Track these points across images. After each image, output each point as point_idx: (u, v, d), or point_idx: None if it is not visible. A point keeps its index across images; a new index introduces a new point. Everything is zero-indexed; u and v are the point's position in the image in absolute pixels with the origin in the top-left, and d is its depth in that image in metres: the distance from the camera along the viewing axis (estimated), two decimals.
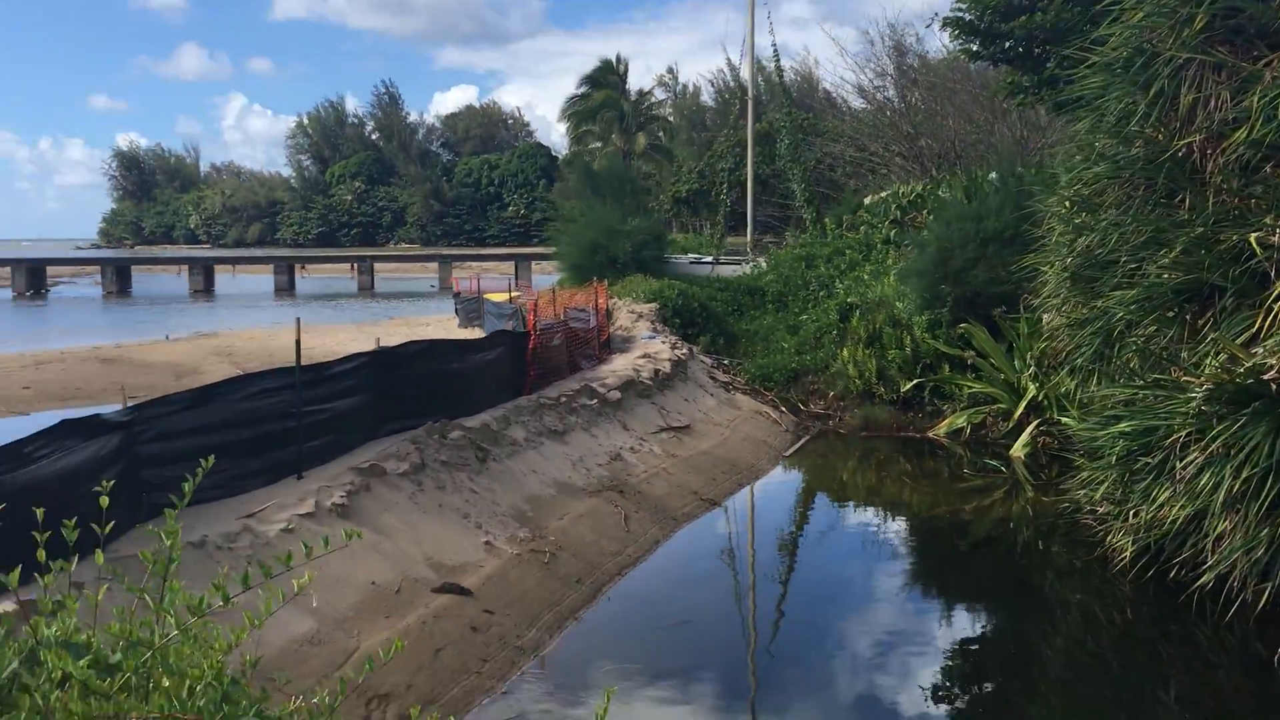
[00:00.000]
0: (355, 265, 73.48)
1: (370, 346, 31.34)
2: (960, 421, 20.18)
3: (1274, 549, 10.14)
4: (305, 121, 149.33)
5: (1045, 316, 16.40)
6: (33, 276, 66.30)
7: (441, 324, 36.95)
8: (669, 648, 10.74)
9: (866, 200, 35.34)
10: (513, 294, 33.51)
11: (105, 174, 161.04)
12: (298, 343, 11.91)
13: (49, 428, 9.22)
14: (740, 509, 15.99)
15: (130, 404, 10.53)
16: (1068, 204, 14.85)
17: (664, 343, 22.56)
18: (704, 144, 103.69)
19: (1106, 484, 12.85)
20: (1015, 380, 19.81)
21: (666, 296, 26.16)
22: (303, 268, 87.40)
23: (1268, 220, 11.18)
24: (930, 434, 20.47)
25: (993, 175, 27.03)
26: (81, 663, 2.82)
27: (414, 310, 50.75)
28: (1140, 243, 12.79)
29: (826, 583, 12.92)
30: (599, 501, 14.04)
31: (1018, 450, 18.59)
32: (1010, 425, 19.57)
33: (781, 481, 17.82)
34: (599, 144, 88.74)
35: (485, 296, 32.80)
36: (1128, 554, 12.12)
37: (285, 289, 70.16)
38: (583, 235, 29.98)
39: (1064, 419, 18.37)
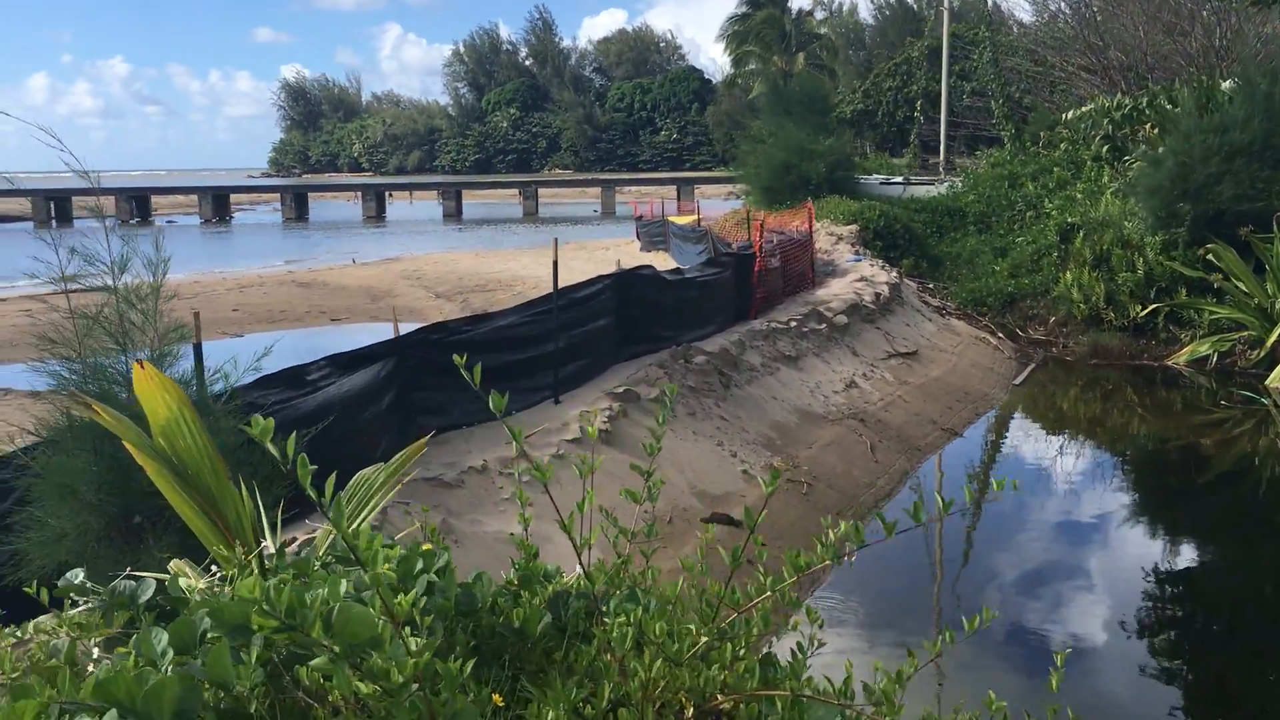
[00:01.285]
0: (520, 190, 73.95)
1: (561, 271, 31.49)
2: (1204, 349, 18.75)
3: None
4: (461, 49, 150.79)
5: None
6: (218, 203, 69.05)
7: (620, 248, 36.69)
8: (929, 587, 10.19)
9: (1066, 116, 33.29)
10: (698, 217, 32.86)
11: (274, 104, 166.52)
12: (555, 265, 11.59)
13: (352, 351, 9.31)
14: (980, 439, 15.19)
15: (401, 329, 10.41)
16: None
17: (872, 265, 21.66)
18: (863, 63, 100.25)
19: None
20: (1269, 305, 18.26)
21: (868, 218, 25.14)
22: (409, 194, 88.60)
23: None
24: (1169, 362, 19.11)
25: (1227, 84, 24.95)
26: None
27: (585, 234, 50.61)
28: None
29: (1080, 524, 12.10)
30: (842, 430, 13.48)
31: (1276, 380, 17.15)
32: (1262, 354, 18.09)
33: (1016, 411, 16.90)
34: (758, 65, 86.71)
35: (669, 220, 32.27)
36: None
37: (453, 214, 71.28)
38: (773, 156, 29.04)
39: None
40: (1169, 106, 26.03)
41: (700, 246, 27.70)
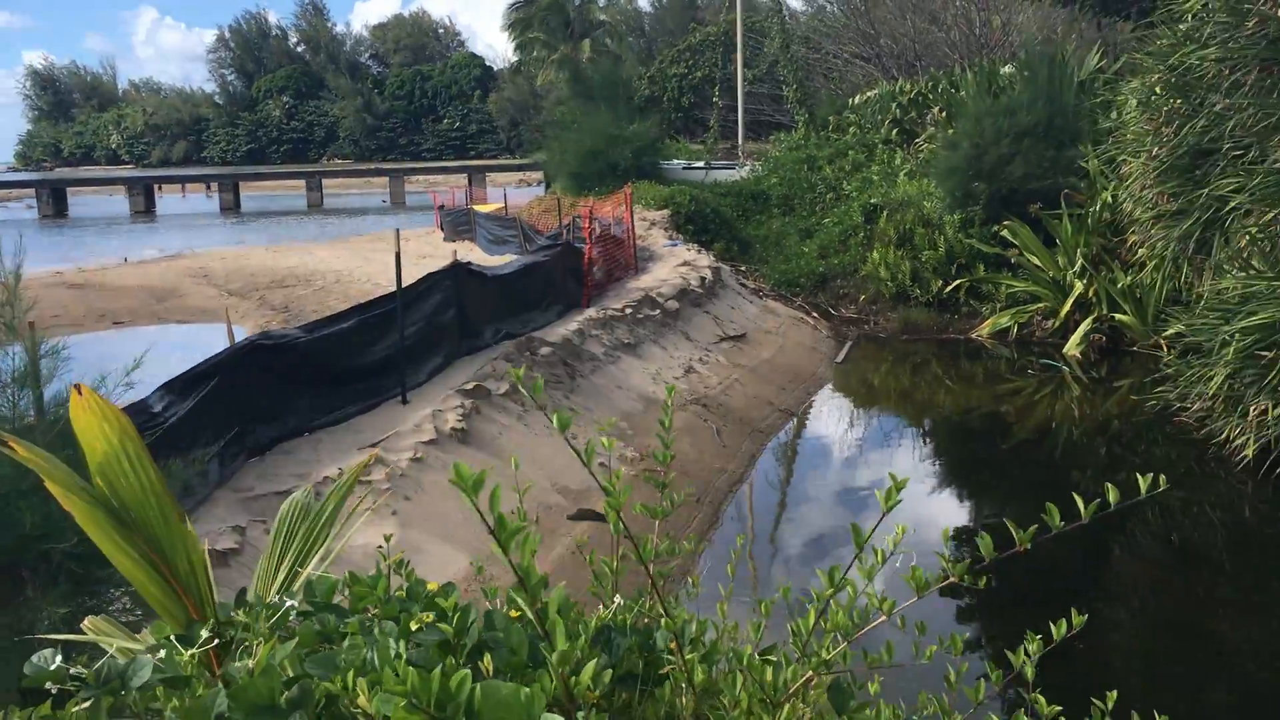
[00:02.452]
0: (306, 181, 70.93)
1: (361, 264, 30.24)
2: (1005, 321, 19.78)
3: None
4: (227, 34, 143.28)
5: (1127, 207, 15.88)
6: None
7: (422, 238, 35.60)
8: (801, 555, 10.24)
9: (853, 101, 34.56)
10: (504, 205, 32.28)
11: (19, 93, 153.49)
12: (398, 258, 10.93)
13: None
14: (815, 417, 15.47)
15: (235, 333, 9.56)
16: (1158, 90, 14.27)
17: (689, 250, 21.77)
18: (643, 50, 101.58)
19: (1217, 380, 12.48)
20: (1060, 277, 19.41)
21: (679, 203, 25.27)
22: (182, 188, 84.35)
23: None
24: (973, 335, 20.06)
25: (1006, 69, 26.42)
26: None
27: (377, 225, 48.95)
28: (1259, 129, 12.25)
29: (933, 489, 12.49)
30: (688, 416, 13.39)
31: (1071, 348, 18.25)
32: (1057, 324, 19.22)
33: (844, 387, 17.31)
34: (543, 51, 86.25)
35: (474, 208, 31.55)
36: (1250, 452, 11.82)
37: (231, 207, 67.61)
38: (580, 142, 28.80)
39: (1118, 316, 18.13)
40: (954, 91, 27.32)
41: (510, 234, 27.23)
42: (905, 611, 2.16)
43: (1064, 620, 2.20)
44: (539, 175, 70.98)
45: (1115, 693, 2.12)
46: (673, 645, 2.43)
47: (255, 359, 9.28)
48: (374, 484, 8.76)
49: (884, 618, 2.17)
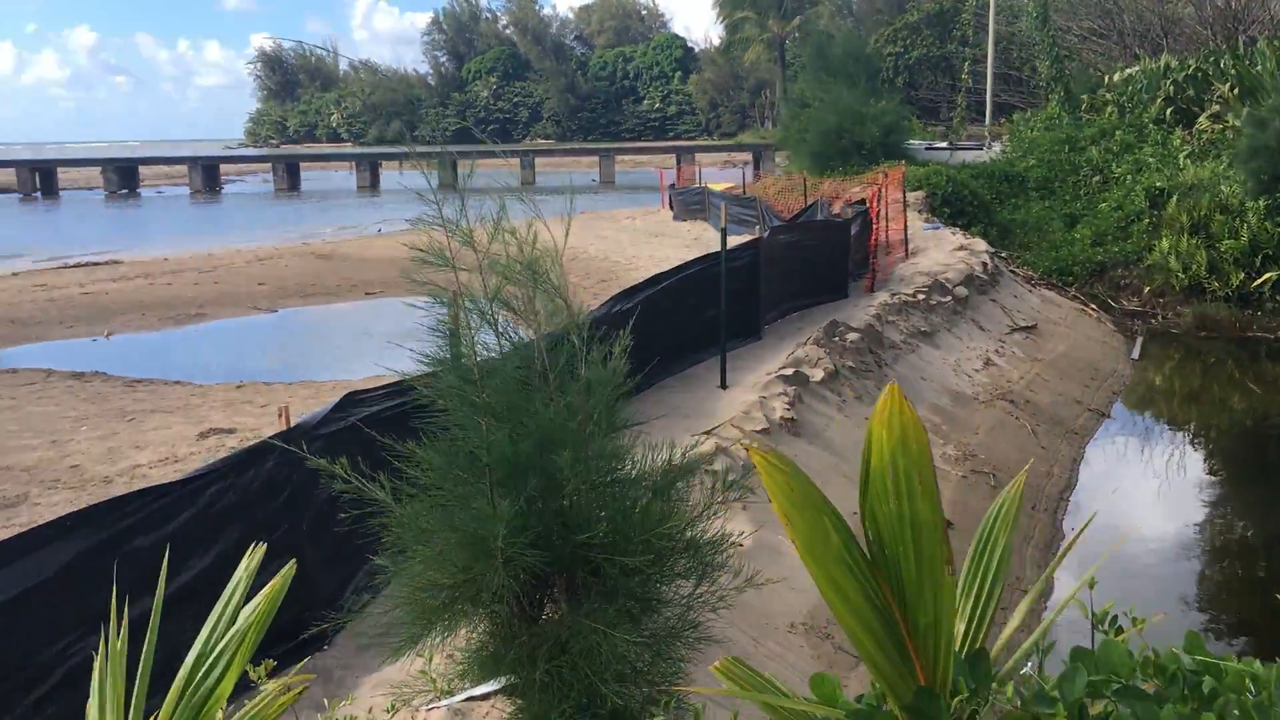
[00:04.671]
0: (520, 159, 72.24)
1: (595, 241, 30.13)
2: None
3: None
4: (440, 18, 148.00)
5: None
6: (208, 174, 66.95)
7: (647, 216, 35.35)
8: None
9: (1110, 78, 32.21)
10: (743, 185, 31.61)
11: (250, 74, 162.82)
12: (724, 233, 10.29)
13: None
14: (1130, 421, 14.12)
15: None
16: None
17: (954, 234, 20.52)
18: (852, 30, 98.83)
19: None
20: None
21: (935, 184, 23.97)
22: (399, 164, 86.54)
23: None
24: None
25: None
26: None
27: (593, 204, 49.03)
28: None
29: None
30: (996, 412, 12.35)
31: None
32: None
33: (1148, 387, 15.85)
34: (756, 30, 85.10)
35: (709, 187, 30.97)
36: None
37: (449, 184, 69.45)
38: (822, 119, 27.77)
39: None
40: (1249, 66, 24.96)
41: (749, 214, 26.50)
42: None
43: None
44: (745, 157, 70.35)
45: None
46: None
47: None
48: (717, 473, 8.15)
49: None
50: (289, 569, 2.54)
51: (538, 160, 75.49)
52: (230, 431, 11.77)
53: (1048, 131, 28.78)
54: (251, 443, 10.89)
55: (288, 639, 5.40)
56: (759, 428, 9.07)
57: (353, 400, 6.19)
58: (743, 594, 3.66)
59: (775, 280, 12.53)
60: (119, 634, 2.24)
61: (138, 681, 2.26)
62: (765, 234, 12.72)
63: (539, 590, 3.29)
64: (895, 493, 2.14)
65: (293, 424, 5.57)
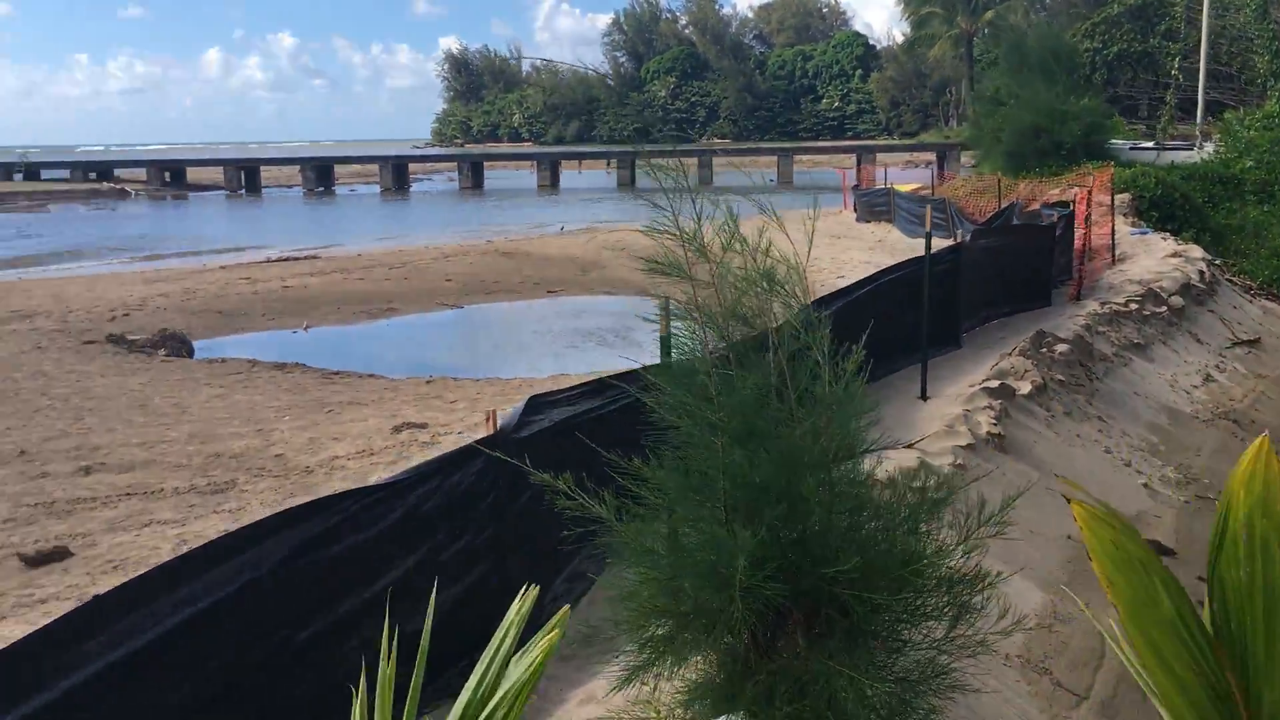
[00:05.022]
0: (698, 159, 72.46)
1: (781, 242, 29.77)
2: None
3: None
4: (621, 19, 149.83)
5: None
6: (398, 173, 69.61)
7: (830, 218, 34.69)
8: None
9: None
10: (932, 185, 30.68)
11: (437, 76, 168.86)
12: (928, 238, 9.85)
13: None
14: None
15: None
16: None
17: (1164, 240, 19.27)
18: (1040, 25, 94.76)
19: None
20: None
21: (1142, 186, 22.60)
22: (578, 164, 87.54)
23: None
24: None
25: None
26: None
27: (777, 204, 48.41)
28: None
29: None
30: (1219, 433, 11.44)
31: None
32: None
33: None
34: (944, 27, 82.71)
35: (895, 188, 30.14)
36: None
37: (626, 183, 70.32)
38: (1018, 118, 26.60)
39: None
40: None
41: (937, 216, 25.63)
42: None
43: None
44: (928, 156, 68.36)
45: None
46: None
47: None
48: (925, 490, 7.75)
49: None
50: (531, 593, 2.40)
51: (715, 160, 75.41)
52: (422, 426, 11.98)
53: (1266, 131, 26.76)
54: (444, 440, 11.07)
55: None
56: (964, 443, 8.60)
57: (542, 402, 6.10)
58: (1009, 637, 3.34)
59: (975, 286, 11.95)
60: (388, 659, 2.14)
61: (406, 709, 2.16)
62: (965, 237, 12.12)
63: (775, 623, 3.06)
64: (1249, 557, 1.84)
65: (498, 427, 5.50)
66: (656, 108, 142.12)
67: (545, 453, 5.80)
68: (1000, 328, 12.55)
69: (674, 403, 3.17)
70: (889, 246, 25.86)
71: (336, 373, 16.28)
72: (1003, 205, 21.65)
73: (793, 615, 3.06)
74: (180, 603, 3.75)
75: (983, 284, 12.16)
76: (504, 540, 5.45)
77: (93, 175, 73.33)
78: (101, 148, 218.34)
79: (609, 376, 7.48)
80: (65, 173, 75.00)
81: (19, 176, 72.02)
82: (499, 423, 5.44)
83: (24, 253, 37.26)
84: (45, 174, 74.42)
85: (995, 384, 9.76)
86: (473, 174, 69.64)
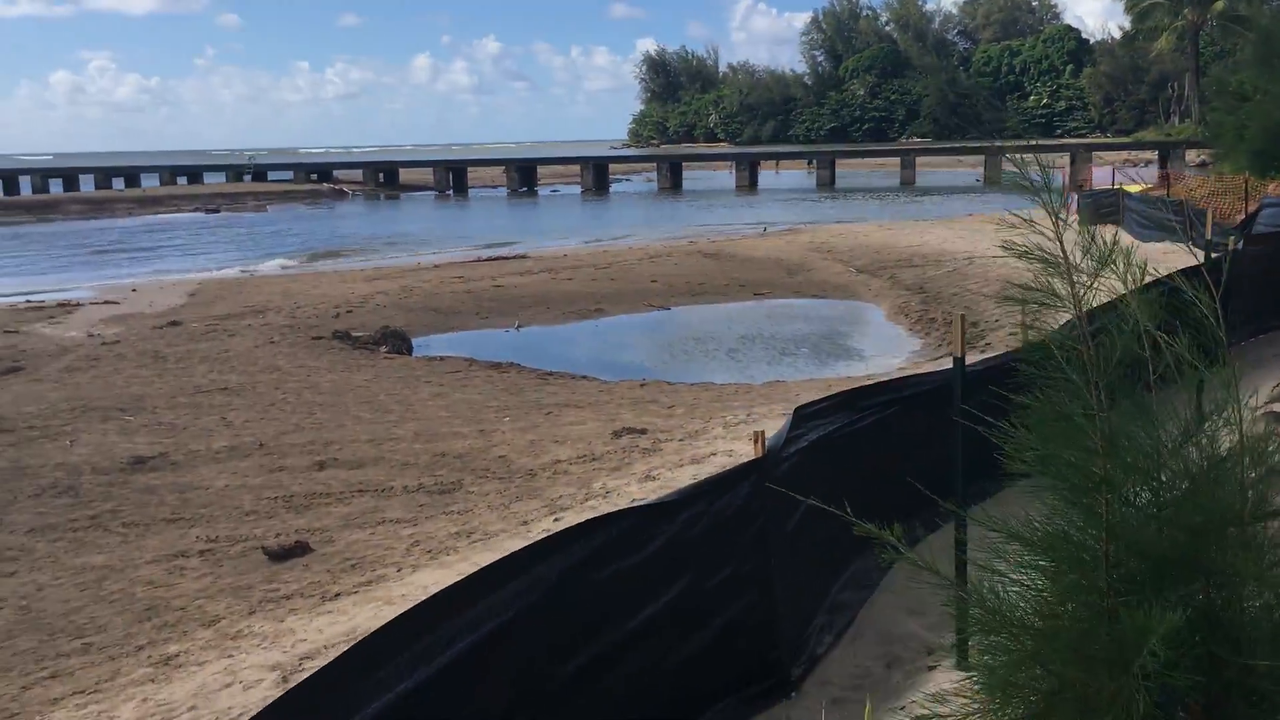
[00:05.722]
0: (900, 159, 70.80)
1: (989, 246, 28.44)
2: None
3: None
4: (820, 17, 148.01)
5: None
6: (598, 174, 70.76)
7: (1048, 220, 32.87)
8: None
9: None
10: (1150, 186, 28.72)
11: (636, 77, 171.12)
12: (1208, 245, 8.94)
13: None
14: None
15: None
16: None
17: None
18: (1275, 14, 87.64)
19: None
20: None
21: None
22: (775, 164, 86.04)
23: None
24: None
25: None
26: None
27: (972, 206, 46.40)
28: None
29: None
30: None
31: None
32: None
33: None
34: (1168, 19, 77.83)
35: (1124, 189, 28.32)
36: None
37: (826, 184, 69.26)
38: (1268, 115, 24.50)
39: None
40: None
41: (1175, 219, 23.86)
42: None
43: None
44: (1149, 155, 64.31)
45: None
46: None
47: None
48: None
49: None
50: None
51: (918, 159, 73.47)
52: (642, 432, 11.77)
53: None
54: (666, 447, 10.80)
55: (755, 680, 4.97)
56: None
57: (807, 414, 5.68)
58: None
59: (1246, 295, 10.87)
60: None
61: None
62: (1239, 244, 11.03)
63: (1166, 711, 2.56)
64: None
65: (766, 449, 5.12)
66: (854, 106, 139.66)
67: (813, 472, 5.41)
68: (1272, 341, 11.40)
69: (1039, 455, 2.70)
70: (1144, 253, 24.28)
71: (551, 373, 16.34)
72: (1250, 209, 20.00)
73: (1189, 705, 2.56)
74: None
75: (1256, 292, 11.06)
76: (770, 568, 5.08)
77: (314, 176, 77.58)
78: (321, 150, 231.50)
79: (879, 383, 7.02)
80: (289, 174, 79.57)
81: (248, 178, 76.89)
82: (766, 444, 5.06)
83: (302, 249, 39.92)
84: (271, 175, 79.15)
85: None
86: (671, 174, 70.03)
